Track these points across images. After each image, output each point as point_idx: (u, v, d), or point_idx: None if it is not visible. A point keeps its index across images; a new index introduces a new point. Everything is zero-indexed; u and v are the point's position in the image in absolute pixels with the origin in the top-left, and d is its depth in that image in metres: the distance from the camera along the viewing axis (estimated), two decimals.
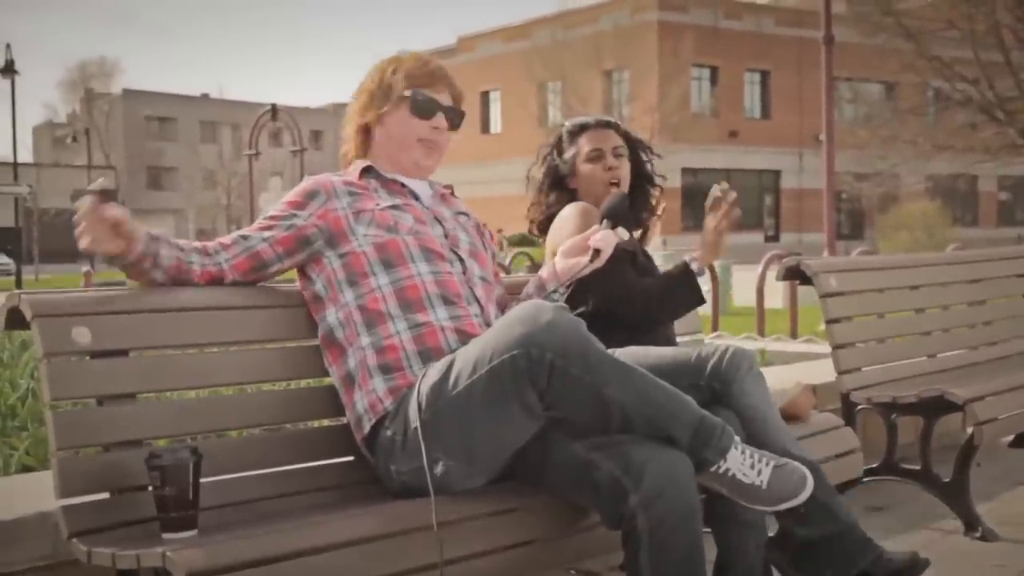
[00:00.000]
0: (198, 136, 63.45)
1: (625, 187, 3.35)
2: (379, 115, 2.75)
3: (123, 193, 61.87)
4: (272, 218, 2.61)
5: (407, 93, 2.72)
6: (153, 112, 64.63)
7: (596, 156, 3.37)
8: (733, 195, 3.14)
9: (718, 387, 2.77)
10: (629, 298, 3.15)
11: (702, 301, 3.24)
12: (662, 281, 3.21)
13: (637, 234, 3.48)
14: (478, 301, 2.66)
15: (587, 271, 2.75)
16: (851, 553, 2.68)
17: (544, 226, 3.42)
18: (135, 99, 64.65)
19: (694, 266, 3.13)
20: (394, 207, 2.67)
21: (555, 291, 2.79)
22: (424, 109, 2.73)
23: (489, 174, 44.85)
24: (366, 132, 2.80)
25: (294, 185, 2.73)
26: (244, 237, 2.59)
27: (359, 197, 2.66)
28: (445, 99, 2.78)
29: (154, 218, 61.83)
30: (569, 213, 3.30)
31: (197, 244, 2.55)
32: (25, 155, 58.61)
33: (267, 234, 2.58)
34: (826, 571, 2.69)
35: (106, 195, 2.27)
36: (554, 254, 3.24)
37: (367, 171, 2.74)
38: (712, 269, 10.45)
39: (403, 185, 2.75)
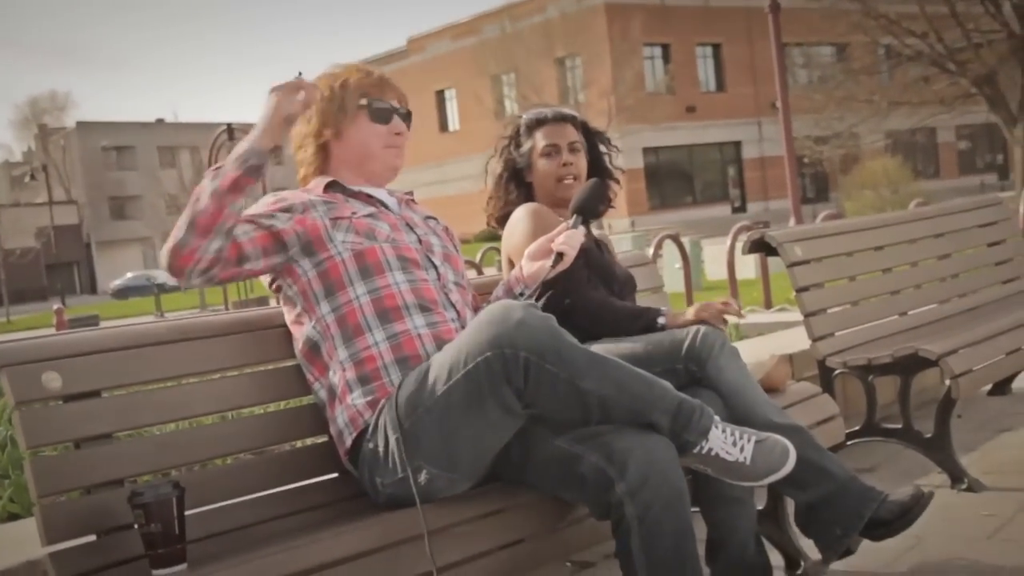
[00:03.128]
0: (157, 162, 63.02)
1: (582, 181, 3.33)
2: (337, 130, 2.76)
3: (87, 226, 61.51)
4: (252, 216, 2.56)
5: (363, 103, 2.74)
6: (110, 142, 64.13)
7: (552, 151, 3.34)
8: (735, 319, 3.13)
9: (694, 368, 2.79)
10: (584, 303, 3.11)
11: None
12: (629, 311, 3.14)
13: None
14: (454, 306, 2.66)
15: (552, 274, 2.76)
16: (855, 505, 2.70)
17: (502, 220, 3.39)
18: (90, 131, 64.16)
19: (660, 321, 3.09)
20: (370, 215, 2.67)
21: (522, 294, 2.80)
22: (382, 116, 2.76)
23: (451, 172, 44.86)
24: (324, 151, 2.80)
25: (258, 201, 2.71)
26: None
27: (334, 206, 2.66)
28: (396, 103, 2.80)
29: (122, 248, 61.49)
30: (520, 216, 3.27)
31: None
32: None
33: (247, 227, 2.52)
34: (834, 529, 2.71)
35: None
36: (509, 259, 3.24)
37: (331, 186, 2.74)
38: (681, 246, 10.49)
39: (370, 196, 2.76)
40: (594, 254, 3.24)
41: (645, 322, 3.06)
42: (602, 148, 3.48)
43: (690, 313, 3.02)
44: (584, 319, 3.05)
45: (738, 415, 2.70)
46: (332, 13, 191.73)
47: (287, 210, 2.60)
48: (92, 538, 2.22)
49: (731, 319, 3.08)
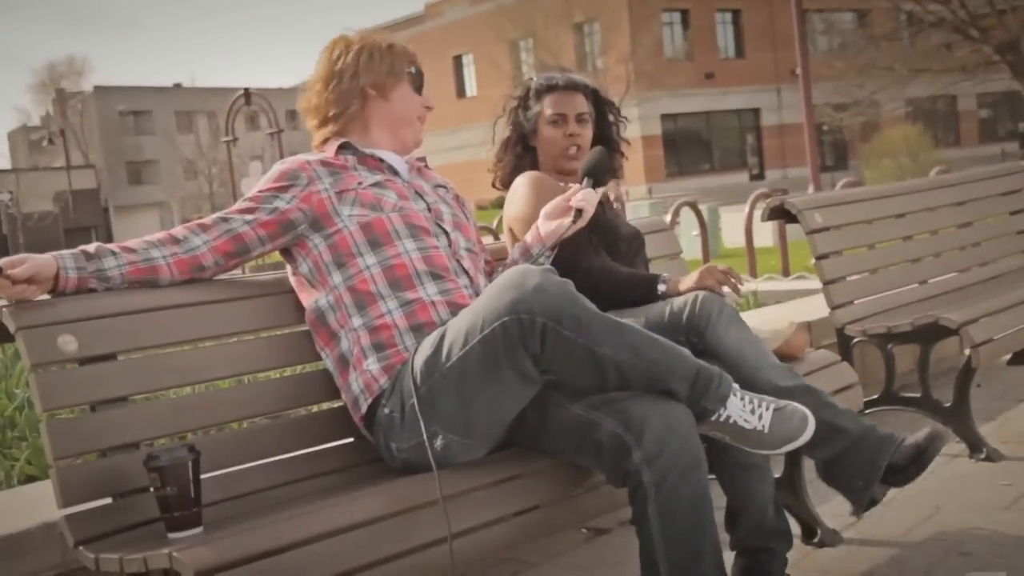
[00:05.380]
0: (174, 127, 62.85)
1: (585, 152, 3.26)
2: (383, 91, 2.73)
3: (104, 191, 61.64)
4: (253, 200, 2.58)
5: (411, 70, 2.76)
6: (127, 107, 64.00)
7: (558, 120, 3.28)
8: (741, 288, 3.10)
9: (695, 339, 2.75)
10: (585, 269, 3.07)
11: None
12: (629, 278, 3.09)
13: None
14: (466, 273, 2.65)
15: (570, 232, 2.73)
16: (871, 456, 2.67)
17: (508, 183, 3.34)
18: (107, 95, 64.00)
19: (661, 288, 3.04)
20: (376, 185, 2.65)
21: (540, 255, 2.77)
22: (420, 86, 2.81)
23: (468, 138, 44.57)
24: (363, 110, 2.74)
25: (263, 177, 2.69)
26: (224, 219, 2.55)
27: (340, 177, 2.64)
28: None
29: (139, 213, 61.62)
30: (520, 184, 3.23)
31: (159, 235, 2.49)
32: (2, 162, 58.21)
33: (249, 217, 2.55)
34: (856, 481, 2.69)
35: None
36: (510, 228, 3.21)
37: (344, 147, 2.71)
38: (699, 213, 10.44)
39: (381, 160, 2.73)
40: (600, 214, 3.19)
41: (645, 289, 3.04)
42: (611, 118, 3.43)
43: (691, 280, 2.99)
44: (584, 284, 3.02)
45: (743, 382, 2.64)
46: None
47: (290, 186, 2.59)
48: (108, 501, 2.22)
49: (729, 291, 3.02)
